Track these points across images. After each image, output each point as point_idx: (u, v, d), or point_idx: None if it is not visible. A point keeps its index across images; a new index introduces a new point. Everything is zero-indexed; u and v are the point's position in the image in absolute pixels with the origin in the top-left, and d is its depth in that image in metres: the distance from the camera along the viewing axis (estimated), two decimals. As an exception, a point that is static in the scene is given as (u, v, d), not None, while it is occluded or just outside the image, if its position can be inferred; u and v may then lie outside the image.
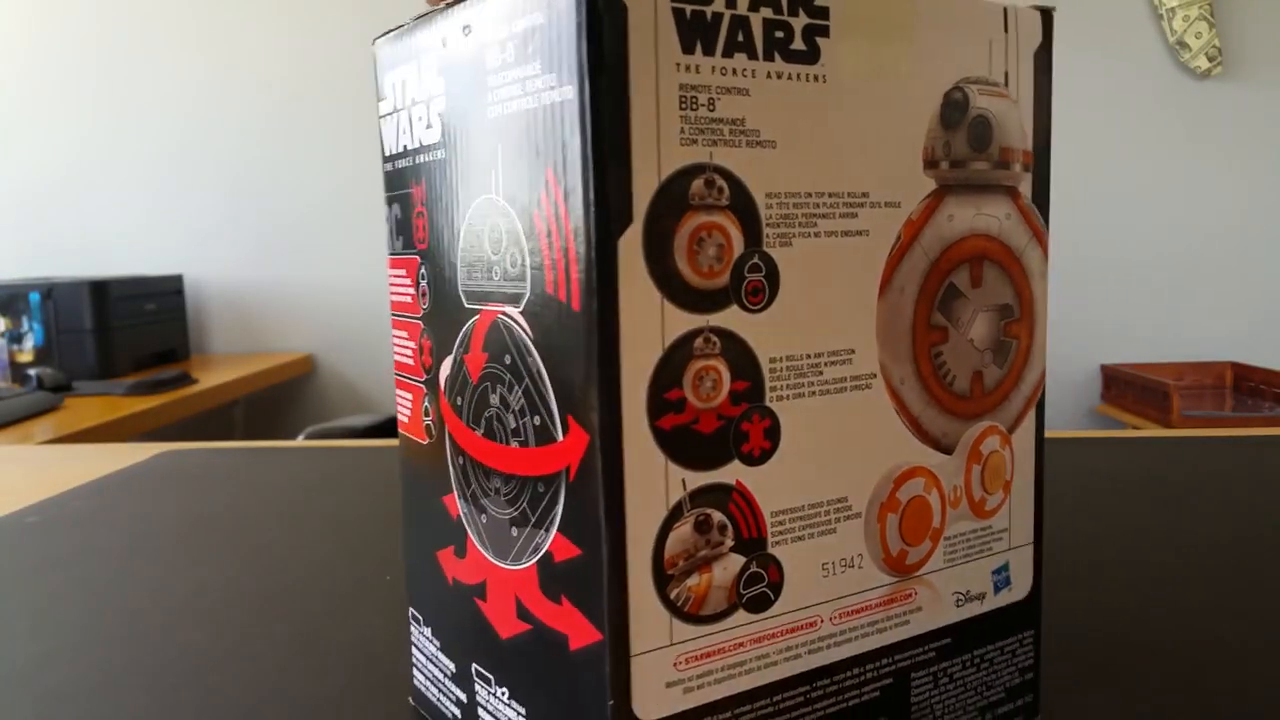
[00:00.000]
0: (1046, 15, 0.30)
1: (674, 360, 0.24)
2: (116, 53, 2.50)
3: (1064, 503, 0.59)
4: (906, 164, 0.27)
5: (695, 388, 0.24)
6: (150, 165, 2.52)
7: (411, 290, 0.32)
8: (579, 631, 0.25)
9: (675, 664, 0.25)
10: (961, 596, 0.30)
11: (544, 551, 0.26)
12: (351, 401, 2.53)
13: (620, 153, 0.23)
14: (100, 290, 2.07)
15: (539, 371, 0.25)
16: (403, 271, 0.32)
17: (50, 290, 2.06)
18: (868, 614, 0.28)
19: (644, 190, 0.23)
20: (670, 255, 0.23)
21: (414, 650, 0.34)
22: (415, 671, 0.34)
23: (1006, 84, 0.29)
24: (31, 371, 1.84)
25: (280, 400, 2.55)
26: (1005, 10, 0.29)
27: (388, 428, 1.27)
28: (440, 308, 0.30)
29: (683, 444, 0.24)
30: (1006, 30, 0.29)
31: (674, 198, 0.23)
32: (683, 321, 0.24)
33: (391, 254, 0.33)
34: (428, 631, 0.33)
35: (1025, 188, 0.30)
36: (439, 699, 0.32)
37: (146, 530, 0.56)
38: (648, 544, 0.24)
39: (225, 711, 0.34)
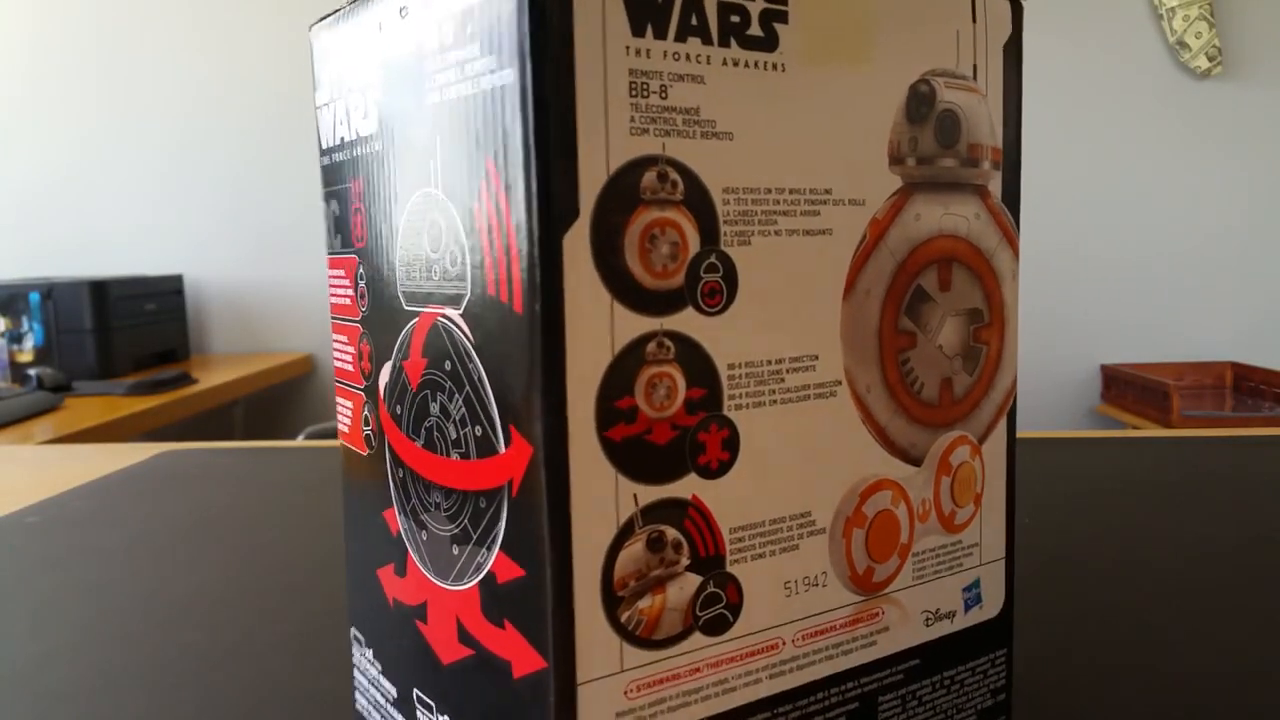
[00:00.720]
0: (1016, 6, 0.29)
1: (625, 366, 0.22)
2: (116, 53, 2.49)
3: (1064, 503, 0.59)
4: (871, 160, 0.26)
5: (648, 396, 0.23)
6: (150, 165, 2.51)
7: (350, 292, 0.30)
8: (522, 658, 0.23)
9: (626, 692, 0.23)
10: (931, 615, 0.29)
11: (486, 571, 0.24)
12: None
13: (565, 142, 0.21)
14: (100, 290, 2.06)
15: (480, 378, 0.23)
16: (341, 272, 0.30)
17: (50, 290, 2.05)
18: (833, 635, 0.26)
19: (591, 183, 0.21)
20: (620, 253, 0.22)
21: (356, 673, 0.32)
22: (358, 695, 0.32)
23: (975, 77, 0.28)
24: (31, 371, 1.83)
25: (280, 400, 2.53)
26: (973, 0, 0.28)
27: None
28: (379, 310, 0.28)
29: (634, 456, 0.23)
30: (975, 20, 0.28)
31: (624, 191, 0.22)
32: (634, 324, 0.22)
33: (330, 253, 0.31)
34: (369, 653, 0.31)
35: (995, 187, 0.29)
36: (380, 727, 0.30)
37: (146, 530, 0.56)
38: (596, 564, 0.22)
39: (225, 711, 0.34)
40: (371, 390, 0.29)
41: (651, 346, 0.23)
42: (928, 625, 0.29)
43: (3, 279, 2.16)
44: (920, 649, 0.29)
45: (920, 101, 0.27)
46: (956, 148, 0.28)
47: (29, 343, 2.06)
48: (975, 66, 0.28)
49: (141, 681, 0.36)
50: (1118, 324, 2.35)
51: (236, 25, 2.46)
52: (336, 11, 0.29)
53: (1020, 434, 0.82)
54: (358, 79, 0.27)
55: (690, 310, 0.23)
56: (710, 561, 0.24)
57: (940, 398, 0.28)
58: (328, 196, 0.31)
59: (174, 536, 0.55)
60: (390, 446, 0.28)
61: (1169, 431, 0.79)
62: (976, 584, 0.30)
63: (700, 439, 0.24)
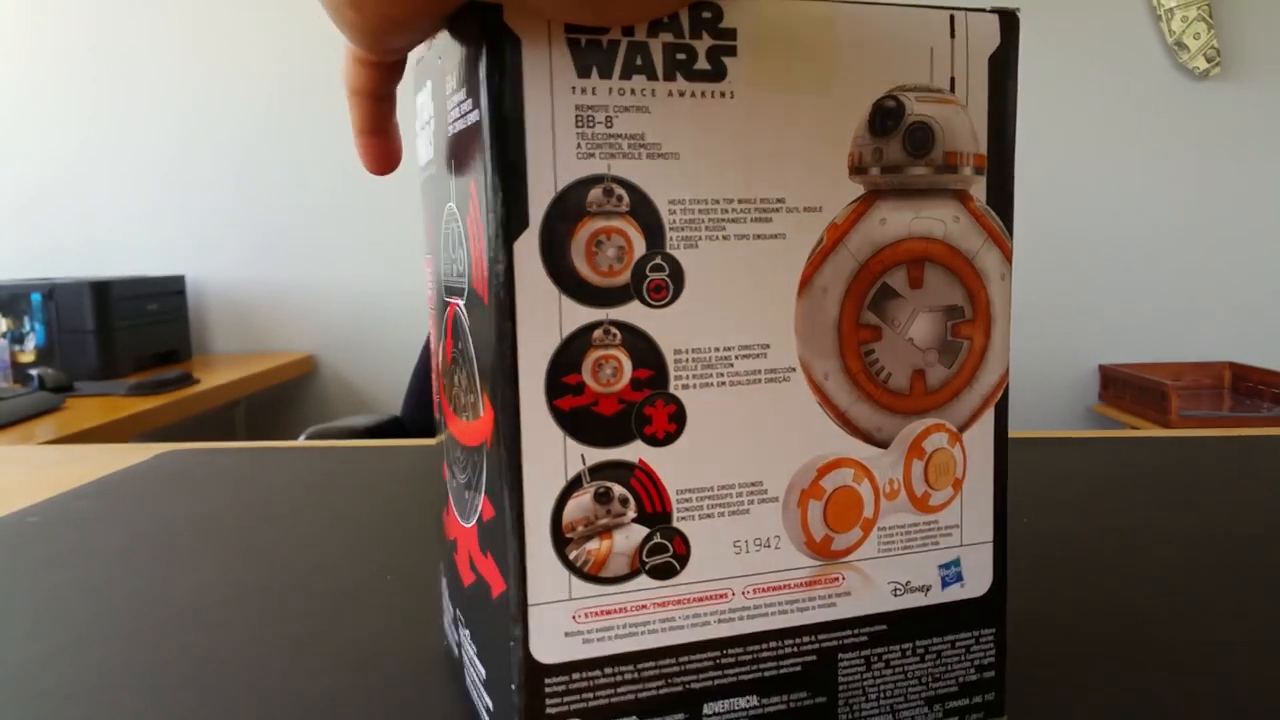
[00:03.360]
0: (1006, 18, 0.30)
1: (572, 348, 0.27)
2: (118, 53, 2.49)
3: (1061, 502, 0.59)
4: (829, 171, 0.29)
5: (595, 374, 0.27)
6: (152, 165, 2.51)
7: (431, 285, 0.36)
8: (496, 582, 0.28)
9: (574, 617, 0.28)
10: (899, 586, 0.31)
11: (479, 512, 0.30)
12: (353, 402, 2.51)
13: (516, 167, 0.26)
14: (102, 290, 2.05)
15: (473, 356, 0.29)
16: (429, 271, 0.37)
17: (52, 290, 2.04)
18: (786, 592, 0.30)
19: (540, 199, 0.26)
20: (567, 256, 0.27)
21: (442, 595, 0.39)
22: (442, 615, 0.39)
23: (953, 89, 0.30)
24: (33, 372, 1.82)
25: (281, 400, 2.53)
26: (952, 17, 0.30)
27: (389, 428, 1.26)
28: (438, 300, 0.34)
29: (582, 423, 0.27)
30: (953, 36, 0.30)
31: (571, 205, 0.27)
32: (581, 314, 0.27)
33: (427, 254, 0.38)
34: (445, 580, 0.38)
35: (978, 190, 0.31)
36: (450, 638, 0.37)
37: (146, 530, 0.56)
38: (546, 509, 0.27)
39: (225, 711, 0.34)
40: (439, 366, 0.35)
41: (598, 333, 0.27)
42: (896, 595, 0.31)
43: (4, 279, 2.12)
44: (887, 616, 0.31)
45: (886, 115, 0.29)
46: (930, 156, 0.30)
47: (31, 343, 2.03)
48: (953, 79, 0.30)
49: (141, 681, 0.36)
50: (1116, 324, 2.38)
51: (238, 25, 2.44)
52: (423, 54, 0.35)
53: (1018, 434, 0.81)
54: (428, 111, 0.34)
55: (636, 303, 0.27)
56: (656, 516, 0.28)
57: (911, 387, 0.31)
58: (423, 206, 0.38)
59: (174, 536, 0.55)
60: (443, 410, 0.34)
61: (1167, 431, 0.79)
62: (956, 563, 0.32)
63: (647, 412, 0.28)
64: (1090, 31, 2.31)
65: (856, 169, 0.29)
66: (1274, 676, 0.35)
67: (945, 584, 0.32)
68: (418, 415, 1.24)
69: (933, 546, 0.32)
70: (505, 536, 0.27)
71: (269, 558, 0.50)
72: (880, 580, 0.31)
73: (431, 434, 1.13)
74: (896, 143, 0.29)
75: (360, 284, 2.50)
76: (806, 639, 0.30)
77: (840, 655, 0.31)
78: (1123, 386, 2.21)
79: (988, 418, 0.32)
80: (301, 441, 0.96)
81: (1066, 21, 2.33)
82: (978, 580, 0.32)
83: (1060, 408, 2.43)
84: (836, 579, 0.30)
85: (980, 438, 0.32)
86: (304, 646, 0.39)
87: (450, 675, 0.37)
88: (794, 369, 0.29)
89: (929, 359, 0.31)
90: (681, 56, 0.27)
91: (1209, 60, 2.22)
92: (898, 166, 0.30)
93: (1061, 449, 0.73)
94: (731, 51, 0.27)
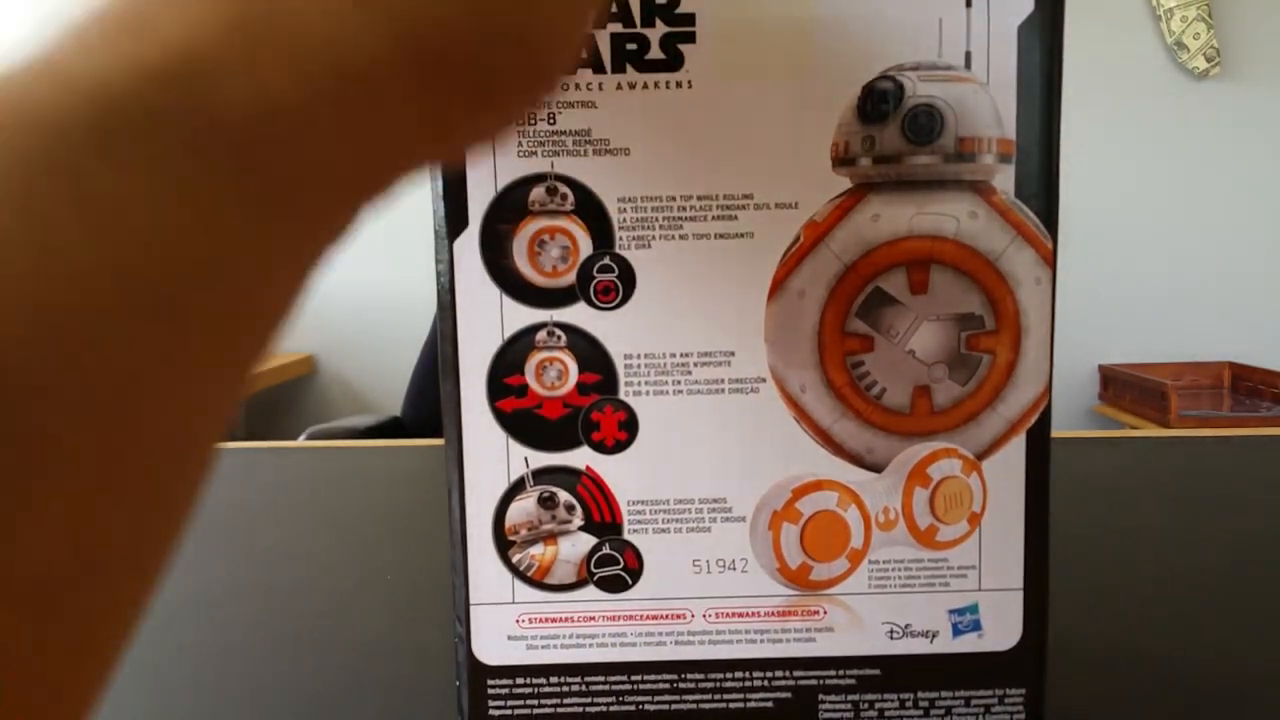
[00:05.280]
0: (1045, -20, 0.26)
1: (514, 349, 0.27)
2: None
3: (1061, 502, 0.56)
4: (807, 163, 0.26)
5: (539, 376, 0.27)
6: None
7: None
8: (456, 577, 0.29)
9: (517, 620, 0.28)
10: (896, 628, 0.28)
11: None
12: (353, 402, 2.46)
13: (456, 167, 0.26)
14: None
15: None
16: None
17: None
18: (754, 620, 0.28)
19: (480, 198, 0.26)
20: (508, 255, 0.26)
21: None
22: None
23: (969, 65, 0.26)
24: None
25: (281, 401, 2.48)
26: (969, -17, 0.26)
27: (389, 428, 1.20)
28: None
29: (525, 426, 0.27)
30: (969, 5, 0.26)
31: (511, 205, 0.26)
32: (523, 315, 0.27)
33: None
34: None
35: (1003, 181, 0.26)
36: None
37: None
38: (488, 510, 0.27)
39: (225, 711, 0.33)
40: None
41: (541, 335, 0.27)
42: (892, 638, 0.28)
43: (0, 279, 2.21)
44: (881, 660, 0.28)
45: (879, 99, 0.26)
46: (939, 143, 0.26)
47: (30, 345, 2.11)
48: (969, 54, 0.26)
49: (141, 681, 0.36)
50: (1116, 324, 2.35)
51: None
52: None
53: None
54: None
55: (582, 305, 0.26)
56: (605, 526, 0.27)
57: (913, 405, 0.27)
58: None
59: (173, 537, 0.56)
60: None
61: (1167, 431, 0.81)
62: (972, 609, 0.28)
63: (594, 418, 0.27)
64: (1090, 31, 2.25)
65: (842, 160, 0.26)
66: (1276, 677, 0.34)
67: (958, 632, 0.28)
68: (418, 415, 1.24)
69: (941, 588, 0.28)
70: (450, 534, 0.28)
71: (269, 558, 0.50)
72: (871, 619, 0.28)
73: (431, 434, 1.13)
74: (894, 129, 0.26)
75: (361, 284, 2.44)
76: (779, 673, 0.28)
77: (821, 696, 0.28)
78: (1123, 386, 2.21)
79: (1016, 445, 0.28)
80: (301, 441, 0.95)
81: (1065, 21, 2.10)
82: (1001, 632, 0.28)
83: (1060, 408, 2.36)
84: (816, 612, 0.28)
85: (1006, 468, 0.28)
86: (304, 646, 0.38)
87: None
88: (764, 379, 0.27)
89: (936, 374, 0.27)
90: (632, 47, 0.26)
91: (1208, 60, 2.21)
92: (895, 156, 0.26)
93: (1061, 449, 0.72)
94: (689, 38, 0.26)
